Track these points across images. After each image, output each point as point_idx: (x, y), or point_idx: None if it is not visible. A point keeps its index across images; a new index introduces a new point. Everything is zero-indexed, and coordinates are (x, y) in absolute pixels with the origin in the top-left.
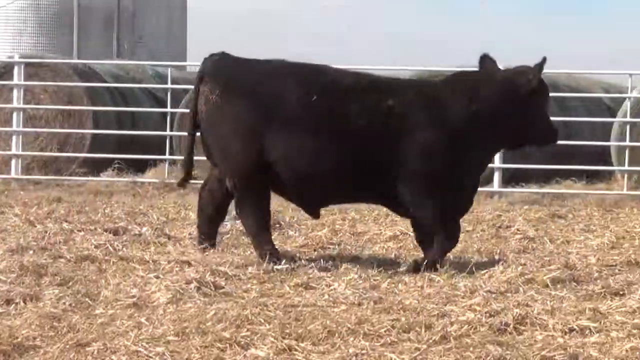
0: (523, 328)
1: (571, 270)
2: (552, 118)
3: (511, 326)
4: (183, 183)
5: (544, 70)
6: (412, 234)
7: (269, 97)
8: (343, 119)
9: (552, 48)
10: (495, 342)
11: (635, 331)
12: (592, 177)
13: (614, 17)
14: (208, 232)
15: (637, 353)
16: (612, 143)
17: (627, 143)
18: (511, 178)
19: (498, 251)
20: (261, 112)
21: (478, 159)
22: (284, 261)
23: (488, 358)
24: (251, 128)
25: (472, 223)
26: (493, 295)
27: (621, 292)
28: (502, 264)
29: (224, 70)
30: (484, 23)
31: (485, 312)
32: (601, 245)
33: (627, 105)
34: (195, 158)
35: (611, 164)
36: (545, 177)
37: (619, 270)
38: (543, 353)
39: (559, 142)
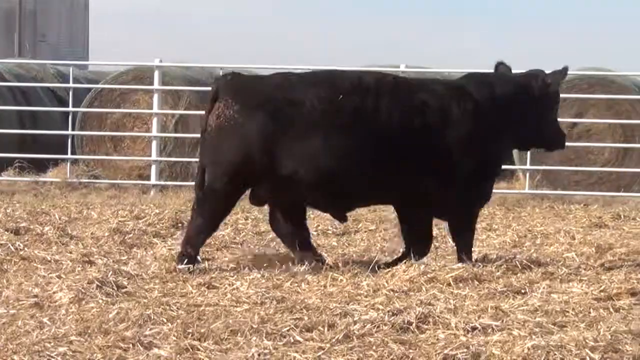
0: (426, 327)
1: (473, 269)
2: None
3: (414, 325)
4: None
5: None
6: (314, 233)
7: (290, 109)
8: (371, 120)
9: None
10: (398, 340)
11: (537, 329)
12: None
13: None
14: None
15: (539, 351)
16: None
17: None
18: None
19: (401, 250)
20: (279, 126)
21: (497, 158)
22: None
23: (391, 357)
24: (265, 141)
25: (376, 222)
26: (396, 294)
27: (523, 291)
28: (405, 262)
29: (239, 86)
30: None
31: (388, 311)
32: (503, 244)
33: None
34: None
35: (513, 163)
36: None
37: (521, 268)
38: (446, 351)
39: None
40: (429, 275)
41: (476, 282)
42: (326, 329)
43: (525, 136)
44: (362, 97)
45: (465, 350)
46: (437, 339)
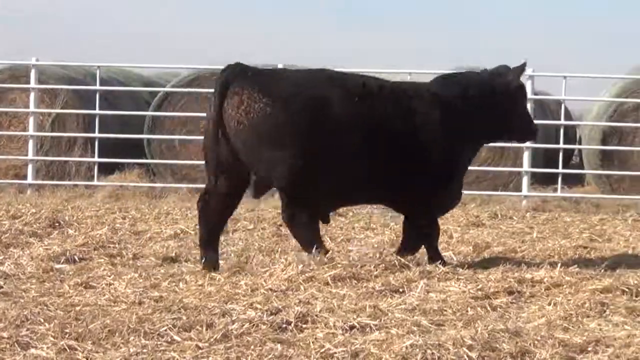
0: (304, 326)
1: (351, 268)
2: None
3: (292, 324)
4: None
5: None
6: (193, 233)
7: (311, 105)
8: (373, 122)
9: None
10: (277, 340)
11: (414, 328)
12: None
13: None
14: (212, 245)
15: (417, 350)
16: None
17: None
18: None
19: (279, 249)
20: (306, 119)
21: (468, 154)
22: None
23: (269, 356)
24: (299, 133)
25: (253, 221)
26: (274, 294)
27: (401, 290)
28: (283, 262)
29: (261, 80)
30: None
31: (267, 310)
32: (381, 243)
33: None
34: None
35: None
36: None
37: (399, 267)
38: (324, 350)
39: None
40: (307, 275)
41: (354, 281)
42: (204, 328)
43: (493, 132)
44: (370, 101)
45: (343, 349)
46: (316, 338)
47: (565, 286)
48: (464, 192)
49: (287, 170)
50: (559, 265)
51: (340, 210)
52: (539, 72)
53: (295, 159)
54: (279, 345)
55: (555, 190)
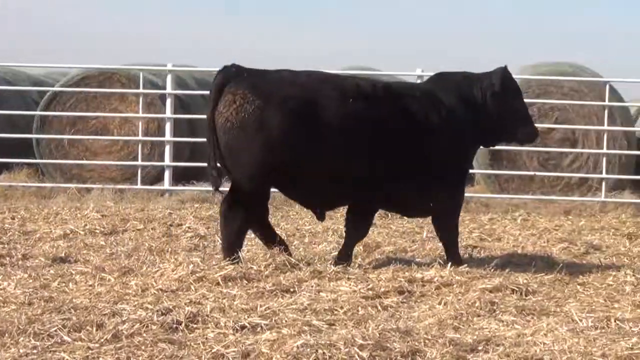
0: (195, 326)
1: (243, 267)
2: None
3: (183, 324)
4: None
5: None
6: (82, 233)
7: (304, 106)
8: (367, 123)
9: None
10: (168, 340)
11: (306, 328)
12: None
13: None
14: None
15: (308, 350)
16: None
17: None
18: (181, 176)
19: (170, 249)
20: (297, 120)
21: (466, 157)
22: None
23: (160, 356)
24: (291, 135)
25: (143, 221)
26: (165, 294)
27: (292, 290)
28: (174, 262)
29: (255, 81)
30: None
31: (157, 311)
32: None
33: None
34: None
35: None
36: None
37: (290, 267)
38: (215, 350)
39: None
40: (197, 275)
41: (245, 281)
42: (95, 329)
43: (488, 135)
44: (366, 102)
45: (234, 349)
46: (207, 339)
47: (455, 285)
48: None
49: (260, 170)
50: (449, 264)
51: None
52: (428, 72)
53: (276, 160)
54: (169, 345)
55: None
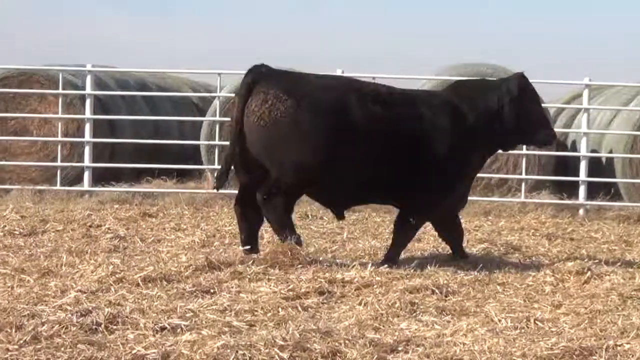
0: (115, 327)
1: (162, 268)
2: (142, 117)
3: (103, 325)
4: (220, 186)
5: None
6: (1, 234)
7: (333, 108)
8: (387, 127)
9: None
10: (87, 341)
11: (226, 329)
12: (182, 176)
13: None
14: (254, 243)
15: (228, 351)
16: (202, 142)
17: (217, 142)
18: (101, 177)
19: (89, 250)
20: (328, 122)
21: (477, 160)
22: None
23: (80, 358)
24: (323, 136)
25: (63, 222)
26: (84, 295)
27: (212, 290)
28: (93, 263)
29: (287, 81)
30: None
31: (77, 312)
32: (192, 244)
33: (216, 104)
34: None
35: (201, 163)
36: (135, 176)
37: (210, 268)
38: (135, 352)
39: (150, 141)
40: (117, 276)
41: (165, 282)
42: (13, 330)
43: (505, 139)
44: (382, 107)
45: (154, 350)
46: (127, 340)
47: (375, 286)
48: None
49: (296, 168)
50: (370, 265)
51: (152, 210)
52: (349, 73)
53: (310, 159)
54: (89, 346)
55: None
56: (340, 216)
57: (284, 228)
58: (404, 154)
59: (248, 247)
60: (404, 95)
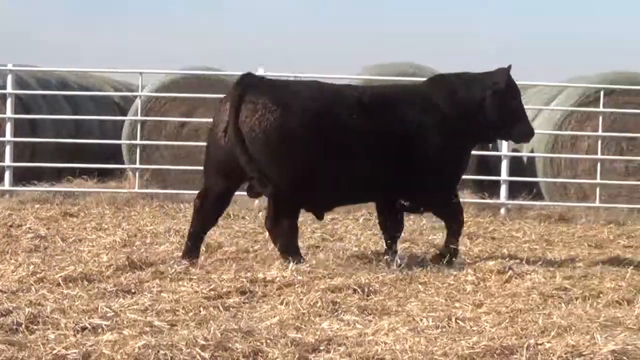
0: (35, 327)
1: (83, 268)
2: (63, 117)
3: (23, 325)
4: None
5: None
6: None
7: (318, 114)
8: (369, 129)
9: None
10: (7, 342)
11: (147, 329)
12: (103, 175)
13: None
14: (198, 241)
15: (150, 350)
16: (123, 141)
17: (138, 141)
18: (22, 177)
19: (9, 250)
20: (314, 128)
21: (463, 153)
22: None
23: (0, 358)
24: (308, 143)
25: None
26: (4, 295)
27: (133, 290)
28: (14, 263)
29: (273, 90)
30: None
31: None
32: (113, 244)
33: (137, 103)
34: None
35: (123, 163)
36: (56, 176)
37: (131, 268)
38: (56, 352)
39: (71, 140)
40: (38, 276)
41: (86, 282)
42: None
43: (486, 132)
44: (364, 110)
45: (75, 350)
46: (47, 340)
47: (297, 285)
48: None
49: (289, 179)
50: (291, 264)
51: (73, 210)
52: (270, 72)
53: (301, 168)
54: (9, 347)
55: None
56: (320, 218)
57: (291, 253)
58: (395, 154)
59: (190, 247)
60: (390, 94)
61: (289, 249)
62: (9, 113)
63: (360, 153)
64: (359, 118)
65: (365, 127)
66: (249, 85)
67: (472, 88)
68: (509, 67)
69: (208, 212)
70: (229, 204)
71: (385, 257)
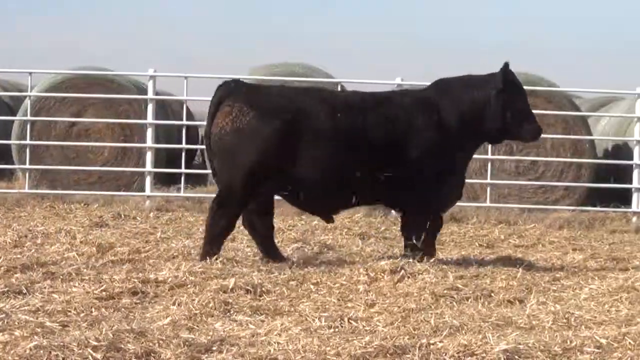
0: None
1: None
2: None
3: None
4: None
5: None
6: None
7: (297, 117)
8: (359, 133)
9: None
10: None
11: (38, 330)
12: None
13: None
14: (272, 248)
15: (41, 351)
16: (13, 142)
17: (28, 142)
18: None
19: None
20: (291, 132)
21: (464, 156)
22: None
23: None
24: (278, 144)
25: None
26: None
27: (24, 291)
28: None
29: (252, 94)
30: None
31: None
32: (4, 245)
33: (27, 103)
34: None
35: (12, 163)
36: None
37: (22, 269)
38: None
39: None
40: None
41: None
42: None
43: (490, 132)
44: (348, 115)
45: None
46: None
47: (189, 286)
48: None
49: (246, 173)
50: (183, 265)
51: None
52: (160, 73)
53: (261, 166)
54: None
55: (179, 190)
56: (329, 220)
57: (213, 244)
58: (382, 156)
59: (266, 255)
60: (375, 98)
61: (212, 242)
62: None
63: (347, 156)
64: (342, 122)
65: (349, 130)
66: (226, 91)
67: (474, 89)
68: (506, 64)
69: (260, 222)
70: (271, 209)
71: (404, 255)
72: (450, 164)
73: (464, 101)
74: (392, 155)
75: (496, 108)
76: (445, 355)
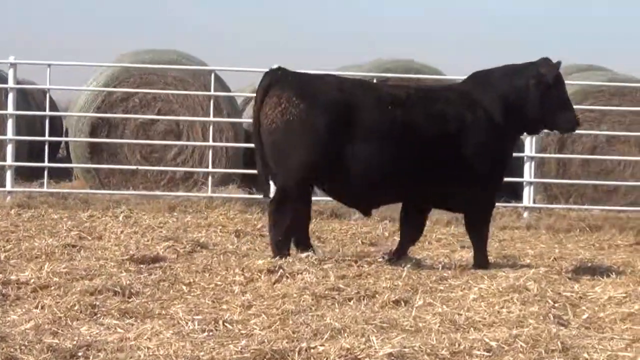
0: None
1: None
2: None
3: None
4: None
5: None
6: None
7: (346, 108)
8: (409, 126)
9: None
10: None
11: None
12: None
13: None
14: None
15: None
16: None
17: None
18: None
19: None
20: (341, 122)
21: (510, 147)
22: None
23: None
24: (331, 137)
25: None
26: None
27: None
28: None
29: (301, 83)
30: None
31: None
32: None
33: None
34: None
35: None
36: None
37: None
38: None
39: None
40: None
41: None
42: None
43: (530, 124)
44: (397, 107)
45: None
46: None
47: (53, 288)
48: None
49: (300, 168)
50: (47, 265)
51: None
52: (21, 60)
53: (316, 159)
54: None
55: (42, 185)
56: (367, 214)
57: (281, 247)
58: (430, 152)
59: (302, 246)
60: (423, 92)
61: (279, 246)
62: None
63: (395, 150)
64: (390, 115)
65: (397, 124)
66: (273, 79)
67: (512, 80)
68: (548, 58)
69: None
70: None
71: (399, 262)
72: (504, 158)
73: (506, 93)
74: (444, 150)
75: (535, 98)
76: (327, 359)
